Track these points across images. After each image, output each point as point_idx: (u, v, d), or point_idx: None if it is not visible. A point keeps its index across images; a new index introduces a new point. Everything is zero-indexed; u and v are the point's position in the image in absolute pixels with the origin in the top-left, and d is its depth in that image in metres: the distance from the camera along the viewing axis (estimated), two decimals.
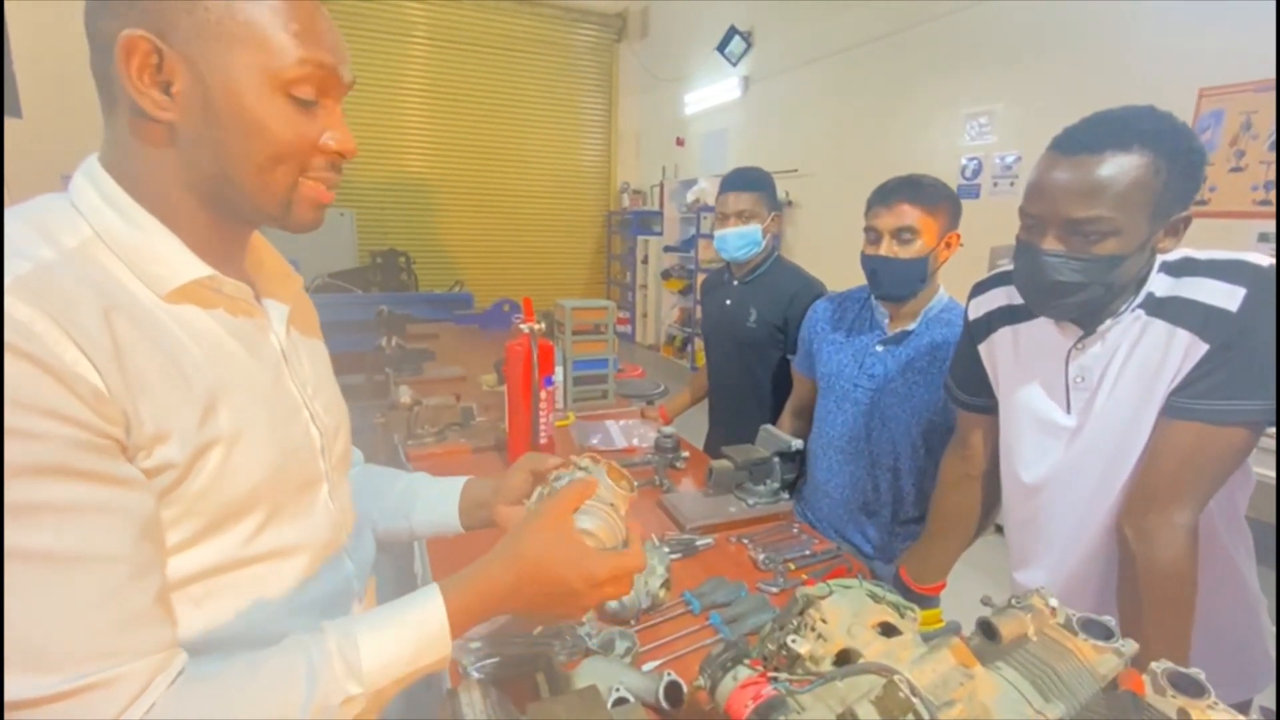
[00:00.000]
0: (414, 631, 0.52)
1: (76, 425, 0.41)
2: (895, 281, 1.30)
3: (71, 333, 0.41)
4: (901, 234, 1.26)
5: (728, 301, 1.85)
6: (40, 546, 0.40)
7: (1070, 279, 0.80)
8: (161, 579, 0.47)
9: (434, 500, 0.80)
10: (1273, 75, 2.35)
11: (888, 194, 1.28)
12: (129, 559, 0.44)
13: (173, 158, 0.50)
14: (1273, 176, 2.40)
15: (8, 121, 2.01)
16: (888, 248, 1.27)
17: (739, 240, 1.72)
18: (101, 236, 0.48)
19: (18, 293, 0.40)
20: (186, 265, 0.51)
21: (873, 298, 1.41)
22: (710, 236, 5.95)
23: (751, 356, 1.80)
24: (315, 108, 0.53)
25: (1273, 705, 1.02)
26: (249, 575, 0.54)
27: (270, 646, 0.49)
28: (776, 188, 1.79)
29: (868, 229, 1.31)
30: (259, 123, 0.49)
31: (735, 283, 1.84)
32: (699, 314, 6.04)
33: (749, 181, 1.73)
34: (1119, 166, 0.76)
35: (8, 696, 0.39)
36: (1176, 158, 0.76)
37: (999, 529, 1.16)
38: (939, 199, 1.26)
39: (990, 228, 2.90)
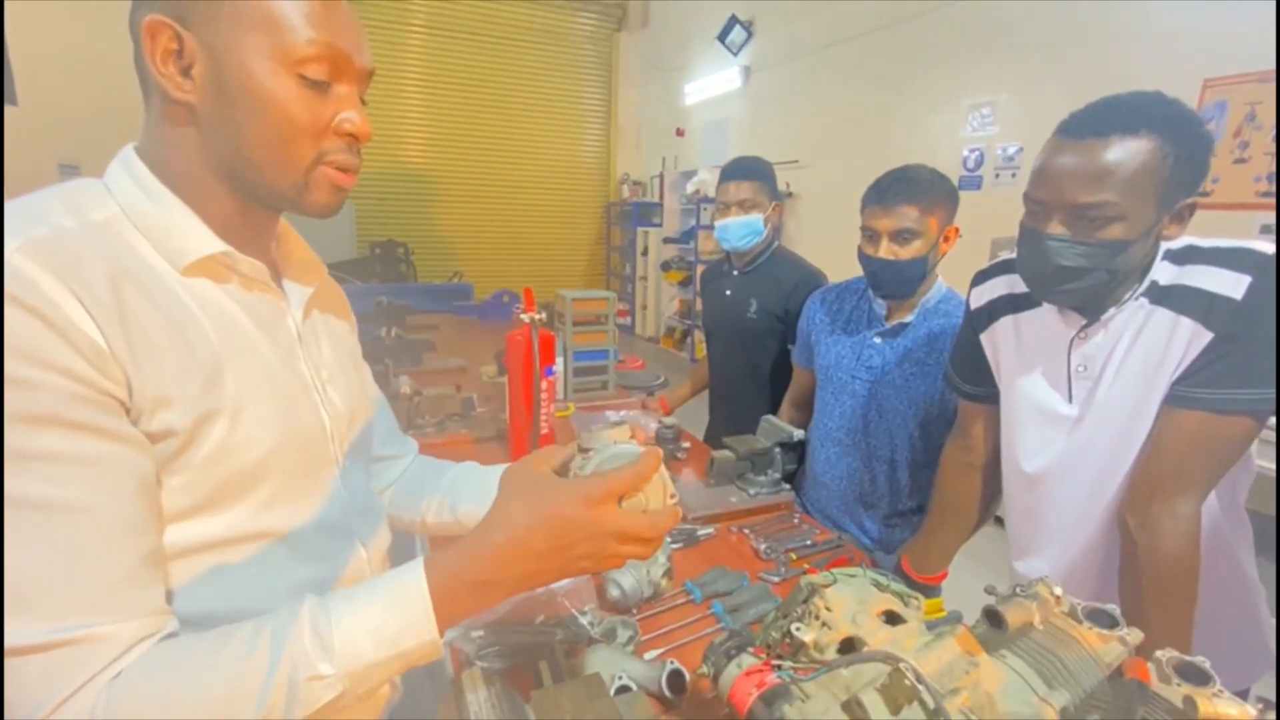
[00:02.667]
0: (392, 607, 0.47)
1: (74, 379, 0.42)
2: (896, 283, 1.29)
3: (77, 292, 0.42)
4: (901, 235, 1.24)
5: (728, 292, 1.84)
6: (31, 494, 0.40)
7: (1075, 264, 0.80)
8: (156, 542, 0.47)
9: (476, 490, 0.77)
10: (1275, 66, 2.34)
11: (884, 194, 1.25)
12: (121, 515, 0.44)
13: (194, 138, 0.52)
14: (1276, 168, 2.38)
15: (5, 109, 1.99)
16: (887, 249, 1.25)
17: (740, 230, 1.71)
18: (127, 214, 0.51)
19: (28, 252, 0.42)
20: (203, 241, 0.53)
21: (870, 291, 1.40)
22: (711, 228, 5.95)
23: (752, 347, 1.80)
24: (329, 90, 0.54)
25: (1269, 694, 1.02)
26: (254, 551, 0.54)
27: None
28: (777, 177, 1.78)
29: (864, 228, 1.29)
30: (271, 101, 0.51)
31: (735, 273, 1.84)
32: (699, 305, 6.05)
33: (750, 171, 1.72)
34: (1125, 151, 0.75)
35: None
36: (1183, 143, 0.75)
37: (998, 520, 1.16)
38: (937, 196, 1.24)
39: (992, 219, 2.89)
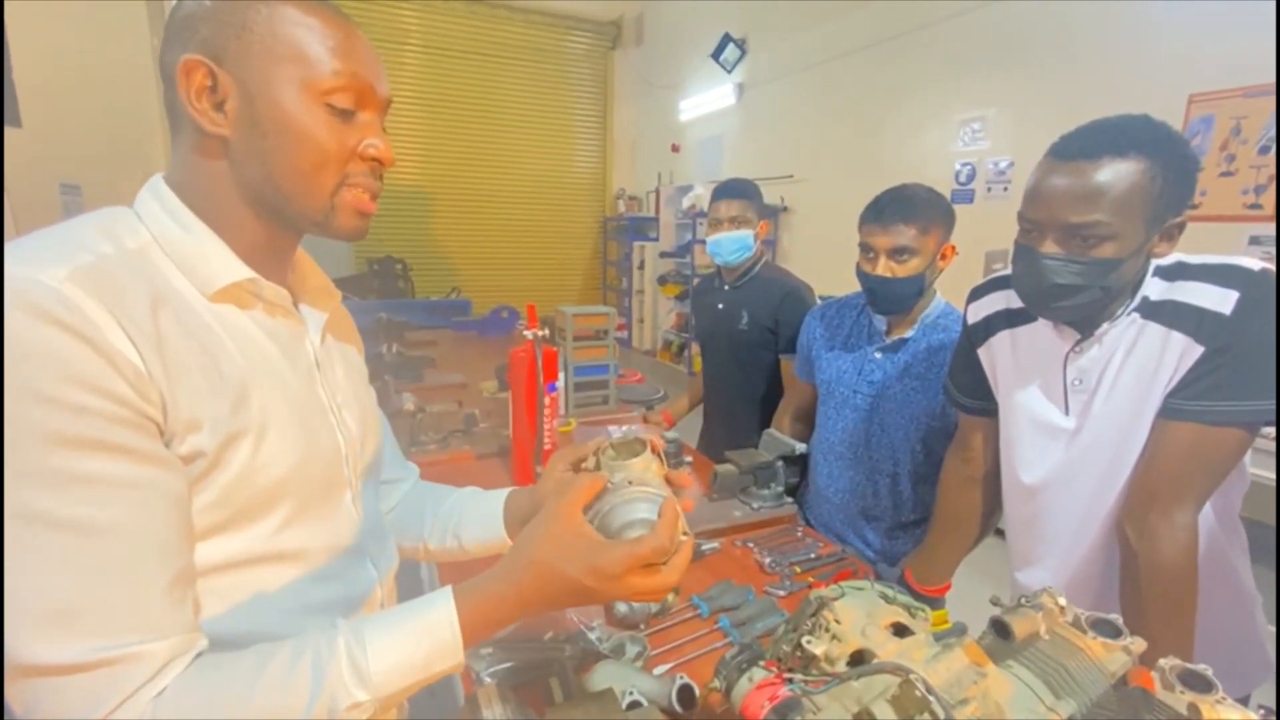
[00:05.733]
0: (424, 637, 0.51)
1: (118, 403, 0.43)
2: (894, 299, 1.31)
3: (120, 319, 0.44)
4: (898, 253, 1.26)
5: (720, 306, 1.91)
6: (73, 516, 0.41)
7: (1069, 282, 0.82)
8: (188, 563, 0.49)
9: (481, 516, 0.79)
10: (1261, 81, 2.39)
11: (882, 213, 1.27)
12: (157, 536, 0.45)
13: (226, 169, 0.55)
14: (1263, 181, 2.43)
15: (7, 131, 2.01)
16: (885, 267, 1.27)
17: (732, 245, 1.79)
18: (159, 241, 0.53)
19: (77, 279, 0.43)
20: (231, 268, 0.55)
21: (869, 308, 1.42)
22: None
23: (745, 358, 1.86)
24: (354, 118, 0.57)
25: (1267, 702, 1.03)
26: (270, 572, 0.55)
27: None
28: (764, 195, 1.87)
29: (863, 245, 1.31)
30: (301, 130, 0.53)
31: (726, 287, 1.90)
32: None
33: (739, 190, 1.81)
34: (1116, 173, 0.77)
35: (25, 660, 0.40)
36: (1171, 164, 0.78)
37: (999, 532, 1.18)
38: (934, 215, 1.26)
39: (984, 232, 2.92)
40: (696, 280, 5.98)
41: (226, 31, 0.51)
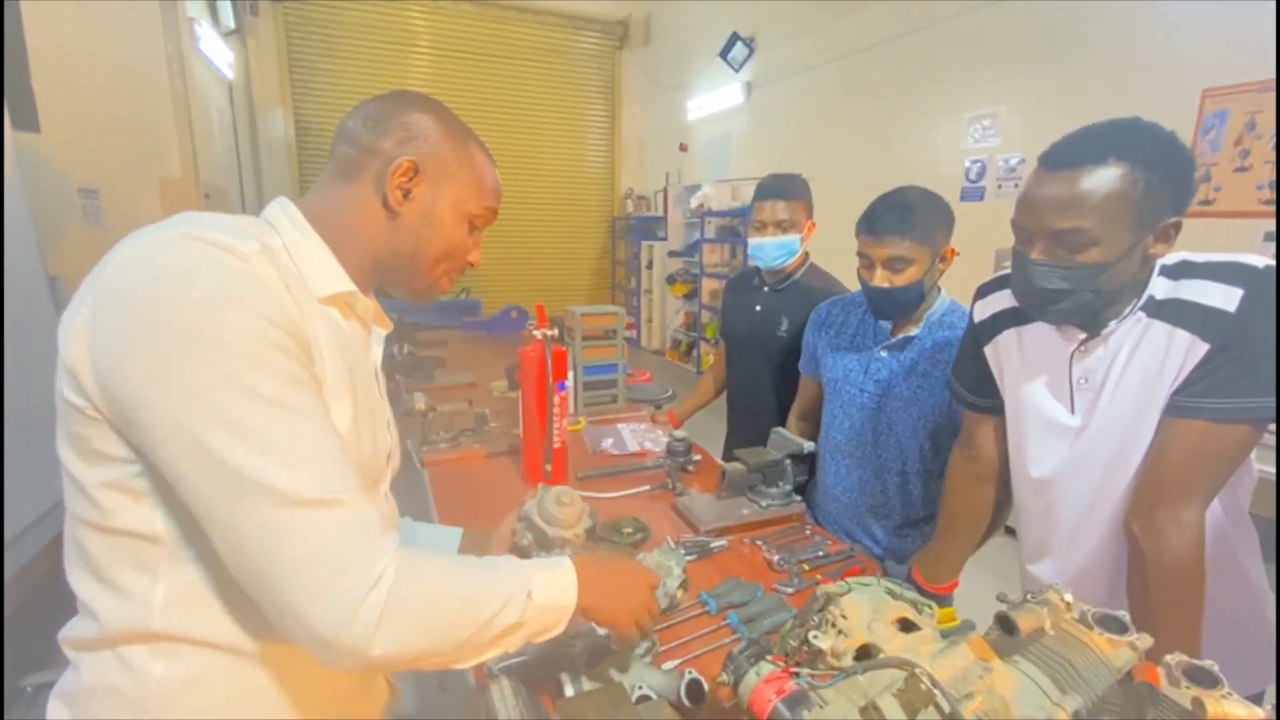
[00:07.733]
0: (557, 570, 0.67)
1: (304, 348, 0.57)
2: (893, 308, 1.31)
3: (292, 292, 0.57)
4: (894, 263, 1.25)
5: (757, 308, 1.83)
6: (296, 403, 0.53)
7: (1056, 286, 0.84)
8: None
9: (428, 544, 0.92)
10: (1274, 76, 2.36)
11: (875, 224, 1.25)
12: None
13: (382, 229, 0.70)
14: (1276, 176, 2.41)
15: (26, 136, 2.05)
16: (882, 277, 1.26)
17: (777, 250, 1.71)
18: (288, 247, 0.65)
19: (266, 258, 0.56)
20: (340, 279, 0.68)
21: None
22: (714, 241, 5.99)
23: (780, 365, 1.79)
24: (476, 234, 0.77)
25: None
26: None
27: None
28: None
29: (860, 253, 1.30)
30: (449, 234, 0.72)
31: (766, 289, 1.82)
32: (705, 318, 6.09)
33: (788, 190, 1.71)
34: (1096, 180, 0.79)
35: (294, 493, 0.50)
36: (1157, 167, 0.78)
37: (1008, 530, 1.18)
38: (929, 221, 1.24)
39: (994, 230, 2.89)
40: (707, 280, 6.01)
41: (440, 152, 0.70)
